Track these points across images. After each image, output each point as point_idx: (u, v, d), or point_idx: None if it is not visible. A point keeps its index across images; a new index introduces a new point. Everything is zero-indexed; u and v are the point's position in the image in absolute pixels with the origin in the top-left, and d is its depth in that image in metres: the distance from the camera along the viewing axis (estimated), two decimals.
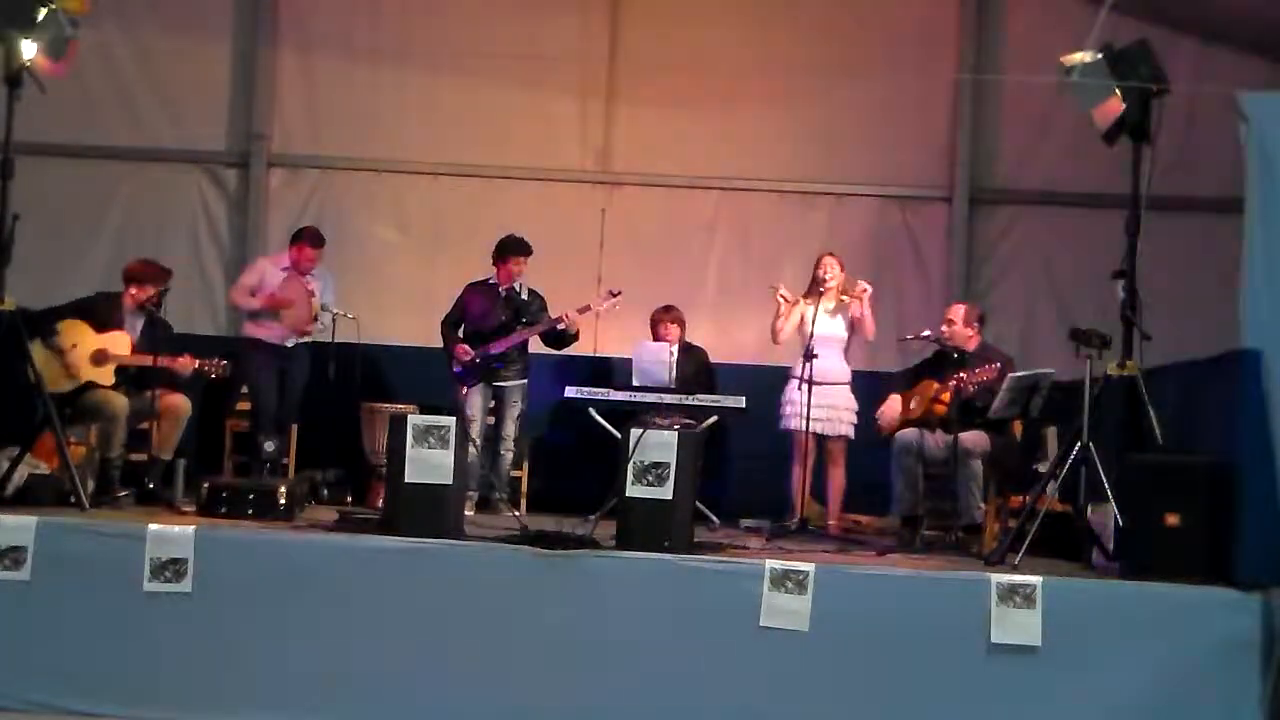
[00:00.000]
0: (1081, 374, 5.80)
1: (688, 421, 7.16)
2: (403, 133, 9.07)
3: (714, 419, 7.41)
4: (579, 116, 9.09)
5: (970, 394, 6.55)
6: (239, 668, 5.10)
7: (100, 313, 6.81)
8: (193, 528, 5.23)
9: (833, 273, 7.28)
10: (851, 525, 7.48)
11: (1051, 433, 6.94)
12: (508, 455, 7.61)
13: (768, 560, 5.14)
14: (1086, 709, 4.95)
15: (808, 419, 6.91)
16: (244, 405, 7.95)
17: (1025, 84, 8.63)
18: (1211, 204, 7.97)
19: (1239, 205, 5.33)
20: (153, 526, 5.19)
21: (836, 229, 8.88)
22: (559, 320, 7.54)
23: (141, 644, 5.11)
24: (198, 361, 6.78)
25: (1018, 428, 6.88)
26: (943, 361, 6.92)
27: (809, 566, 5.09)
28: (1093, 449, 5.64)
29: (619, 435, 5.59)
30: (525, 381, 7.70)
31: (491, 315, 7.62)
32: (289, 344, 7.68)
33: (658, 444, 5.32)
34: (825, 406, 7.09)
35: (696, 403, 7.34)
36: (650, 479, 5.29)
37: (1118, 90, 5.76)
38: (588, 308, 7.61)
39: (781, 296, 7.32)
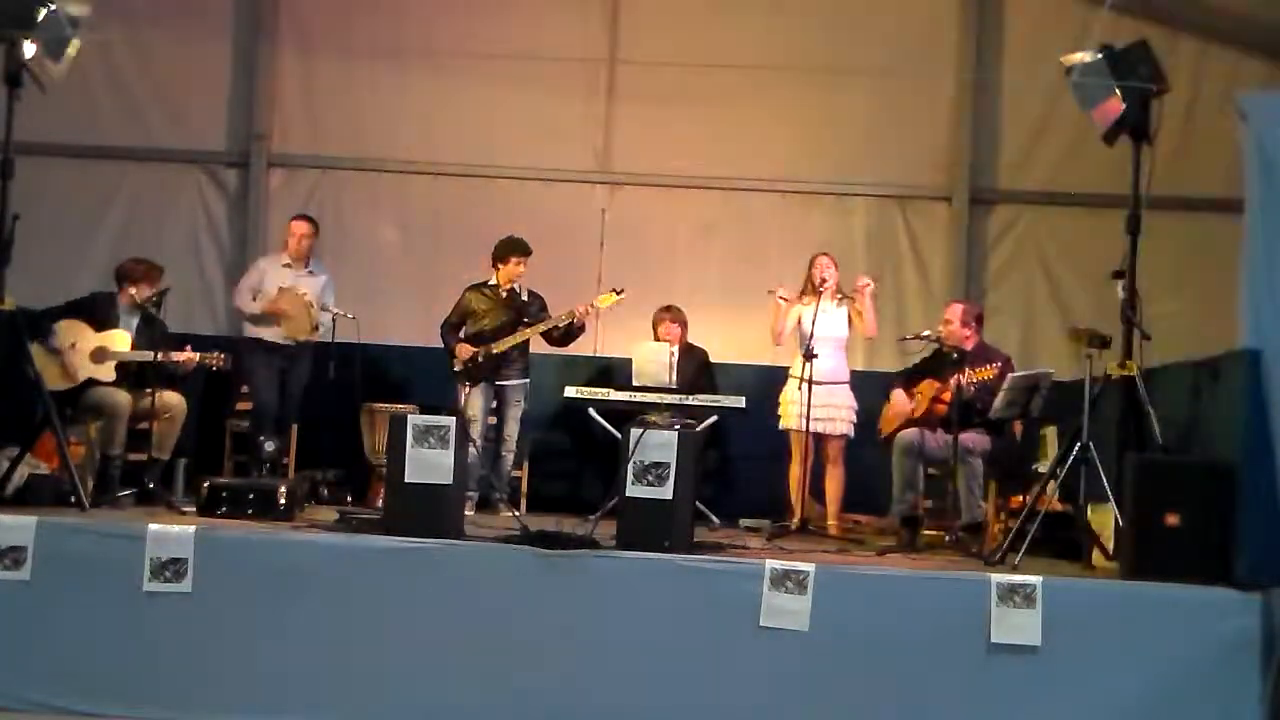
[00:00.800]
0: (1081, 374, 5.81)
1: (688, 421, 7.14)
2: (403, 133, 9.07)
3: (714, 419, 7.41)
4: (579, 116, 9.08)
5: (970, 394, 6.55)
6: (239, 668, 5.10)
7: (97, 312, 6.83)
8: (193, 528, 5.23)
9: (829, 273, 7.27)
10: (851, 525, 7.47)
11: (1051, 433, 6.95)
12: (508, 456, 7.60)
13: (768, 560, 5.14)
14: (1086, 709, 4.95)
15: (807, 419, 6.91)
16: (244, 405, 7.96)
17: (1025, 84, 8.66)
18: (1211, 204, 7.98)
19: (1239, 205, 5.33)
20: (153, 526, 5.19)
21: (836, 229, 8.88)
22: (571, 318, 7.46)
23: (141, 644, 5.11)
24: (198, 355, 6.78)
25: (1018, 428, 6.88)
26: (941, 361, 6.92)
27: (809, 567, 5.09)
28: (1093, 449, 5.64)
29: (619, 435, 5.59)
30: (527, 381, 7.69)
31: (492, 317, 7.61)
32: (291, 344, 7.66)
33: (658, 444, 5.32)
34: (825, 406, 7.09)
35: (696, 403, 7.34)
36: (650, 479, 5.29)
37: (1118, 90, 5.76)
38: (591, 305, 7.60)
39: (781, 299, 7.31)
